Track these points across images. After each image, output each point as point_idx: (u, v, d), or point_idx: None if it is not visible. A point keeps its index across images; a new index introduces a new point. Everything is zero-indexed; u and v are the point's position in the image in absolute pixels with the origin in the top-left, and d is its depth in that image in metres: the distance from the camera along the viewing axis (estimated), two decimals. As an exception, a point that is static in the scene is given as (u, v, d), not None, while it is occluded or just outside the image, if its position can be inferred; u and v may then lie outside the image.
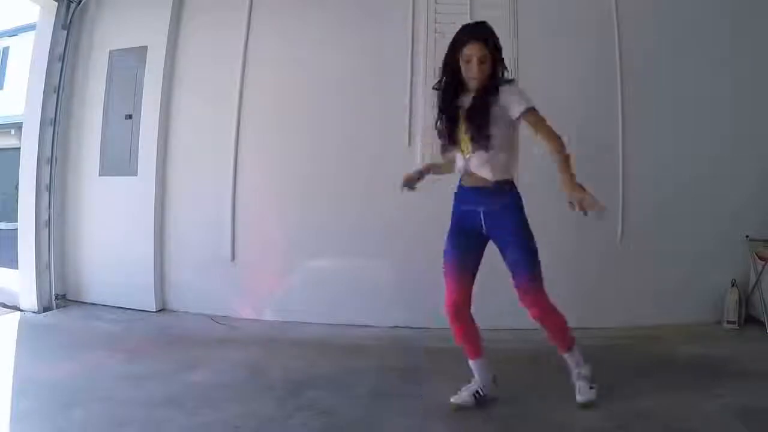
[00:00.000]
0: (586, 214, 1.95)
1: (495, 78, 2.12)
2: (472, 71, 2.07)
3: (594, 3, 3.44)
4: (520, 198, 2.17)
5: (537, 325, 2.18)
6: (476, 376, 2.21)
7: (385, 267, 3.36)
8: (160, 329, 3.34)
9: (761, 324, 3.24)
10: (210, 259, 3.67)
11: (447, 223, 2.24)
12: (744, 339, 3.12)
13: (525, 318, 3.25)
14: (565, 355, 2.25)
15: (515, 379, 2.46)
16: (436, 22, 3.42)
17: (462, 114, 2.13)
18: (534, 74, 3.38)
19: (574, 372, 2.24)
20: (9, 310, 3.69)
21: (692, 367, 2.64)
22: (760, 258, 3.31)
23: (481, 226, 2.14)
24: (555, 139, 2.09)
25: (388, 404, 2.23)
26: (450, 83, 2.16)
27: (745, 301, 3.35)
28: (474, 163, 2.12)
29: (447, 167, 2.32)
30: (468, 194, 2.17)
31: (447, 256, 2.19)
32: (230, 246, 3.64)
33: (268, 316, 3.56)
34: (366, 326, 3.31)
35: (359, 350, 2.93)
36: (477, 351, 2.21)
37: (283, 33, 3.63)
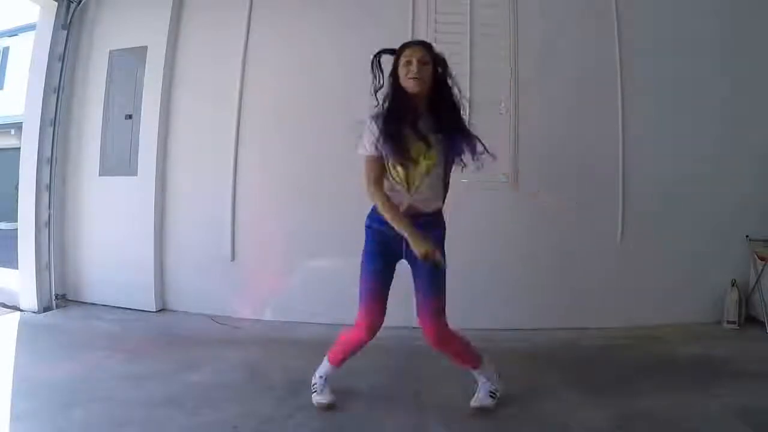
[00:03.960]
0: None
1: (448, 98, 2.05)
2: (411, 71, 1.98)
3: (594, 3, 3.44)
4: (445, 228, 2.14)
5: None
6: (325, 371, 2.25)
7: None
8: (160, 329, 3.34)
9: (761, 324, 3.24)
10: (210, 259, 3.67)
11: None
12: (744, 339, 3.12)
13: (523, 318, 3.29)
14: (475, 373, 2.19)
15: (514, 379, 2.46)
16: (436, 22, 3.43)
17: (418, 143, 1.99)
18: (533, 74, 3.40)
19: (483, 383, 2.19)
20: (9, 310, 3.69)
21: (692, 367, 2.65)
22: (760, 258, 3.32)
23: (402, 251, 2.07)
24: None
25: (387, 404, 2.22)
26: (396, 101, 2.03)
27: (745, 301, 3.36)
28: (422, 196, 2.04)
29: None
30: None
31: (369, 277, 2.10)
32: (230, 246, 3.64)
33: (268, 316, 3.56)
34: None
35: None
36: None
37: (283, 33, 3.63)
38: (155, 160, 3.70)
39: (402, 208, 2.03)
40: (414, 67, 2.00)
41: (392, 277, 2.13)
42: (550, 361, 2.78)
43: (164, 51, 3.70)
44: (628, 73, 3.37)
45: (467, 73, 3.28)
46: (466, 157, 2.08)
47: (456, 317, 2.11)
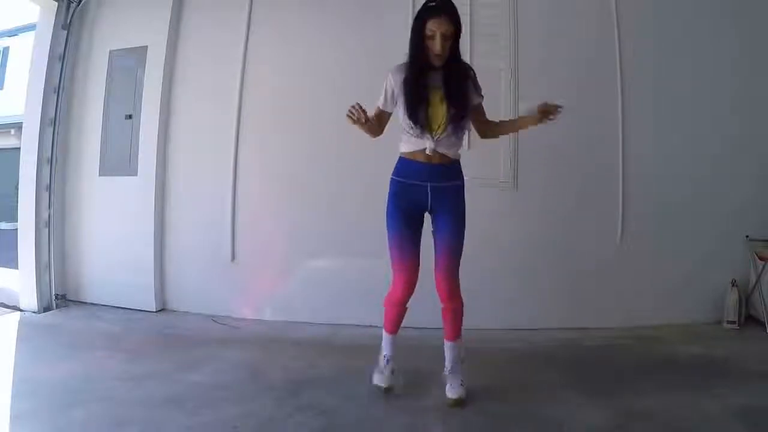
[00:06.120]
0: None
1: (459, 57, 2.15)
2: (435, 47, 2.05)
3: (594, 3, 3.44)
4: (464, 181, 2.24)
5: (448, 315, 2.23)
6: (389, 349, 2.33)
7: (384, 267, 3.34)
8: (160, 329, 3.34)
9: (761, 324, 3.24)
10: (210, 259, 3.67)
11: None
12: (744, 339, 3.12)
13: (523, 318, 3.29)
14: (452, 344, 2.24)
15: (513, 379, 2.46)
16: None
17: (438, 91, 2.11)
18: (533, 74, 3.39)
19: (451, 366, 2.25)
20: (9, 310, 3.69)
21: (692, 367, 2.65)
22: (760, 258, 3.32)
23: (427, 200, 2.16)
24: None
25: (387, 404, 2.22)
26: (416, 59, 2.12)
27: (745, 301, 3.36)
28: (444, 143, 2.13)
29: (376, 130, 2.28)
30: (422, 169, 2.15)
31: (394, 233, 2.18)
32: (230, 246, 3.64)
33: (268, 316, 3.56)
34: (366, 326, 3.31)
35: (359, 350, 2.92)
36: (398, 328, 2.34)
37: (283, 33, 3.63)
38: (155, 160, 3.70)
39: (428, 152, 2.12)
40: (438, 42, 2.05)
41: (420, 231, 2.20)
42: (549, 361, 2.78)
43: (164, 51, 3.70)
44: (628, 73, 3.37)
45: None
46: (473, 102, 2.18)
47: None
